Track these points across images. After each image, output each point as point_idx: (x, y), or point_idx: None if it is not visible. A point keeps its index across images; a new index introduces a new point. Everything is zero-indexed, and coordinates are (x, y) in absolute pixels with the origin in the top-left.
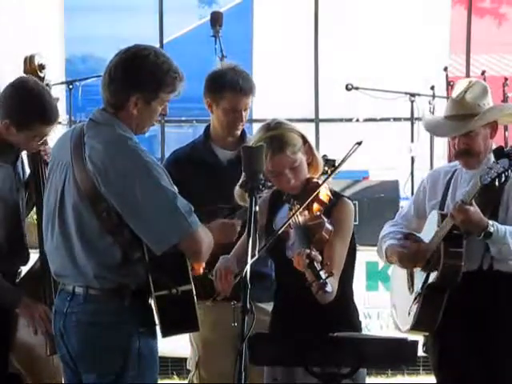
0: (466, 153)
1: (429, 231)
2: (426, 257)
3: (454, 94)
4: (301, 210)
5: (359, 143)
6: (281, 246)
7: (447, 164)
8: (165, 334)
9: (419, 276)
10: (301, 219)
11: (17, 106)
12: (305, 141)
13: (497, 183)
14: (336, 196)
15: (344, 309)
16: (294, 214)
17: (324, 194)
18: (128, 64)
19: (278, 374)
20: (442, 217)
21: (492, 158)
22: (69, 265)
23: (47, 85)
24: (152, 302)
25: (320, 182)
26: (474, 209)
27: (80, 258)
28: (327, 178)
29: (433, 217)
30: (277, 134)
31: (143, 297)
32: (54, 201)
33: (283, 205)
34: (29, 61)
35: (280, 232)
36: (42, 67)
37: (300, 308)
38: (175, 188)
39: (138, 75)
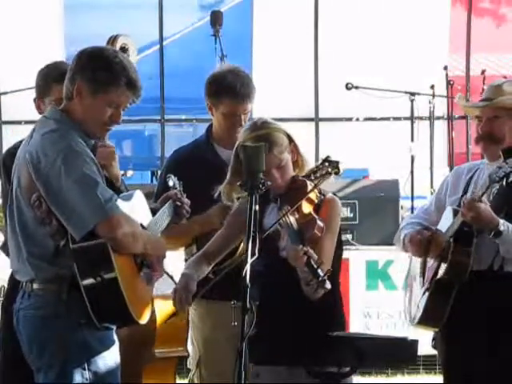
0: (487, 137)
1: (443, 226)
2: (440, 246)
3: (495, 82)
4: (292, 210)
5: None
6: (273, 245)
7: (472, 162)
8: (100, 323)
9: (430, 270)
10: (292, 218)
11: None
12: (290, 140)
13: (504, 182)
14: (322, 193)
15: (332, 305)
16: (284, 214)
17: (312, 192)
18: (82, 56)
19: (261, 369)
20: (455, 212)
21: None
22: (16, 257)
23: None
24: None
25: (305, 179)
26: (485, 206)
27: (22, 249)
28: (315, 186)
29: (448, 212)
30: (263, 134)
31: (80, 288)
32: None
33: (270, 204)
34: (111, 42)
35: (271, 232)
36: (123, 50)
37: (288, 307)
38: (101, 178)
39: (87, 62)
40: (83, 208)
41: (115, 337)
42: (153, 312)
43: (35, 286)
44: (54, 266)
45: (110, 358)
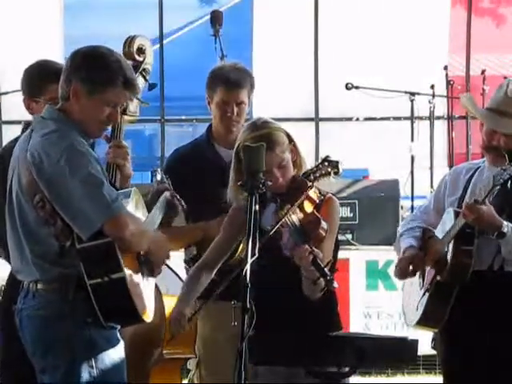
0: (500, 150)
1: (443, 228)
2: (437, 254)
3: (509, 90)
4: (293, 208)
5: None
6: (274, 245)
7: (471, 161)
8: (106, 322)
9: (430, 272)
10: (294, 217)
11: None
12: (290, 139)
13: (509, 185)
14: (321, 193)
15: (328, 305)
16: (286, 213)
17: (313, 191)
18: (77, 56)
19: (261, 369)
20: (457, 214)
21: None
22: (18, 258)
23: (144, 70)
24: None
25: (306, 179)
26: (487, 207)
27: (25, 250)
28: (313, 185)
29: (448, 214)
30: (265, 133)
31: (87, 287)
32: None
33: (268, 204)
34: (128, 43)
35: (272, 231)
36: (140, 51)
37: (288, 307)
38: (105, 178)
39: (82, 62)
40: (90, 207)
41: (119, 336)
42: (162, 311)
43: (40, 286)
44: (58, 266)
45: (116, 356)
